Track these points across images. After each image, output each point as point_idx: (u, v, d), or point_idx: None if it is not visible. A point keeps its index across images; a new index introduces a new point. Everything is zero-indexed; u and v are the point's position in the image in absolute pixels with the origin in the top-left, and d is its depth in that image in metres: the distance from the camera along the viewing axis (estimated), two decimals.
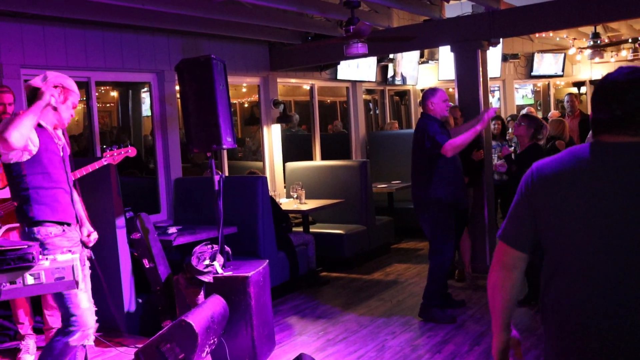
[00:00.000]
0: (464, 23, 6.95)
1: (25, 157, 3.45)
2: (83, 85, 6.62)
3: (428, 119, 5.33)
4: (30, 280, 3.58)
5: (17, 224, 4.61)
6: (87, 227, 3.89)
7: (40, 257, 3.77)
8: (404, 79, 10.96)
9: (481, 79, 6.75)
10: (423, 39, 7.26)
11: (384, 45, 7.61)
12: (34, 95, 3.55)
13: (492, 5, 6.57)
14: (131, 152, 4.73)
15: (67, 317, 3.55)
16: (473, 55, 6.74)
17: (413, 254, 8.02)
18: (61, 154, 3.65)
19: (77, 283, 3.69)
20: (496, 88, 12.65)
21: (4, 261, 3.51)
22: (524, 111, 9.76)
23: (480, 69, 6.76)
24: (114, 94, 9.35)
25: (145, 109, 9.03)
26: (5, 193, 4.62)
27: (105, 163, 4.57)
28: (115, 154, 4.64)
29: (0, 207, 4.58)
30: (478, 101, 6.69)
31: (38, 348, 4.89)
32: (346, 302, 6.00)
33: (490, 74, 7.27)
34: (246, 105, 11.61)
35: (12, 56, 5.63)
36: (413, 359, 4.45)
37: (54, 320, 4.90)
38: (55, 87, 3.56)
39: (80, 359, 3.88)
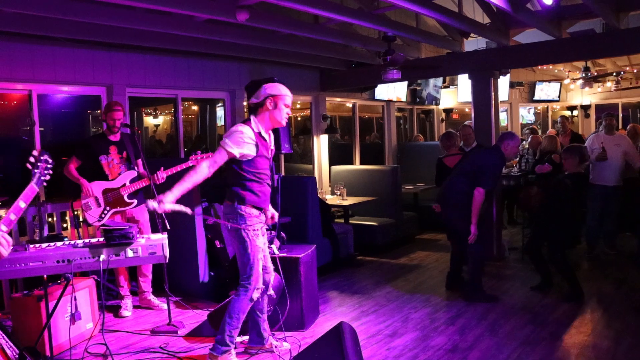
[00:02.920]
0: (480, 56, 6.89)
1: (246, 159, 3.51)
2: (171, 101, 6.80)
3: (498, 154, 5.10)
4: (130, 253, 3.72)
5: (122, 209, 4.75)
6: (271, 210, 3.87)
7: (138, 236, 3.91)
8: (429, 100, 10.89)
9: (493, 102, 6.68)
10: (446, 68, 7.23)
11: (413, 72, 7.59)
12: (255, 108, 3.57)
13: (502, 42, 6.50)
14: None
15: (246, 277, 3.59)
16: (487, 82, 6.68)
17: (433, 243, 7.94)
18: (269, 156, 3.65)
19: (165, 257, 3.81)
20: (504, 110, 12.49)
21: (111, 238, 3.67)
22: (526, 129, 9.58)
23: (492, 93, 6.69)
24: (195, 107, 9.49)
25: (220, 119, 9.16)
26: (114, 183, 4.76)
27: (190, 164, 4.61)
28: (198, 157, 4.70)
29: (110, 194, 4.73)
30: (490, 119, 6.62)
31: (134, 307, 5.07)
32: (377, 281, 5.98)
33: (500, 98, 7.18)
34: (299, 118, 11.67)
35: (120, 78, 5.84)
36: (431, 329, 4.43)
37: (145, 285, 5.07)
38: (266, 98, 3.51)
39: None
